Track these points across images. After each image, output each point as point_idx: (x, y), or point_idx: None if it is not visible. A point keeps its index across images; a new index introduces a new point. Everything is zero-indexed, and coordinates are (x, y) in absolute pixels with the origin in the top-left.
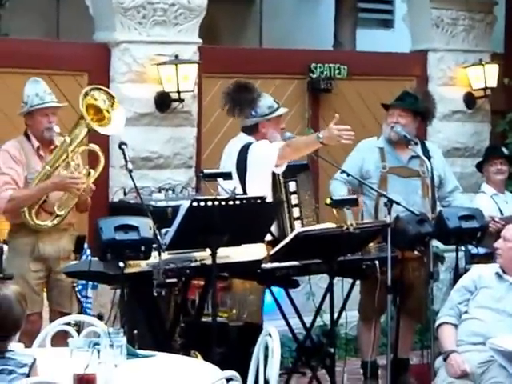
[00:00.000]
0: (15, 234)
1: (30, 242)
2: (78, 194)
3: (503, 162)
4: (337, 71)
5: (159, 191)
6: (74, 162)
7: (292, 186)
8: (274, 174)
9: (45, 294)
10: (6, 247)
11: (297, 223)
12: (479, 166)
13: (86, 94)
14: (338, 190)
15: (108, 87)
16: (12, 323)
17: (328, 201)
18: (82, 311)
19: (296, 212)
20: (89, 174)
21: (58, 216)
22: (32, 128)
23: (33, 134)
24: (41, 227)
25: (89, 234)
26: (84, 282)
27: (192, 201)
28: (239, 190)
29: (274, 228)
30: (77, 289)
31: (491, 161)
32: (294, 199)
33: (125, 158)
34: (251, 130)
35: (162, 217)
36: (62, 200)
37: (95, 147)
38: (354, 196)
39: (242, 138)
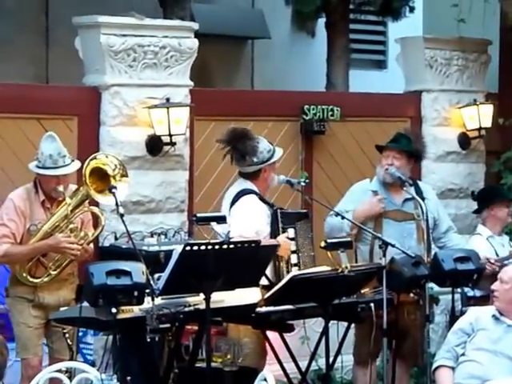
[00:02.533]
0: (15, 281)
1: (30, 290)
2: (72, 258)
3: (510, 204)
4: (330, 113)
5: (151, 236)
6: (72, 225)
7: (291, 232)
8: (274, 218)
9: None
10: None
11: (294, 269)
12: (481, 207)
13: (94, 158)
14: (336, 228)
15: (98, 131)
16: None
17: (323, 244)
18: (73, 358)
19: (294, 258)
20: (86, 236)
21: (50, 274)
22: (41, 182)
23: (41, 187)
24: (32, 283)
25: (78, 280)
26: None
27: (185, 245)
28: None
29: (270, 273)
30: (77, 335)
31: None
32: (292, 246)
33: (116, 202)
34: (252, 176)
35: (154, 262)
36: (56, 260)
37: (96, 210)
38: (349, 238)
39: (241, 184)
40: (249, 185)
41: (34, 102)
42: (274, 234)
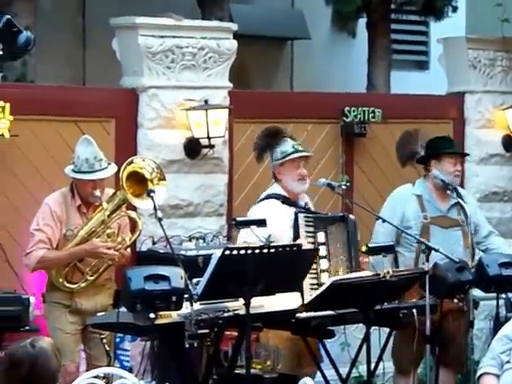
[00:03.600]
0: (51, 287)
1: (66, 296)
2: (109, 263)
3: None
4: (371, 114)
5: (189, 240)
6: (109, 230)
7: (321, 236)
8: (294, 221)
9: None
10: (32, 298)
11: (323, 275)
12: None
13: (131, 162)
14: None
15: (136, 133)
16: (49, 376)
17: (364, 248)
18: (110, 363)
19: (324, 264)
20: (123, 240)
21: (87, 280)
22: (78, 187)
23: (77, 191)
24: (68, 289)
25: (116, 284)
26: (122, 334)
27: (224, 249)
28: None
29: None
30: (114, 341)
31: None
32: (322, 250)
33: (154, 206)
34: (274, 177)
35: (192, 266)
36: (93, 265)
37: (133, 214)
38: (391, 243)
39: (271, 187)
40: (276, 188)
41: (71, 104)
42: (294, 237)
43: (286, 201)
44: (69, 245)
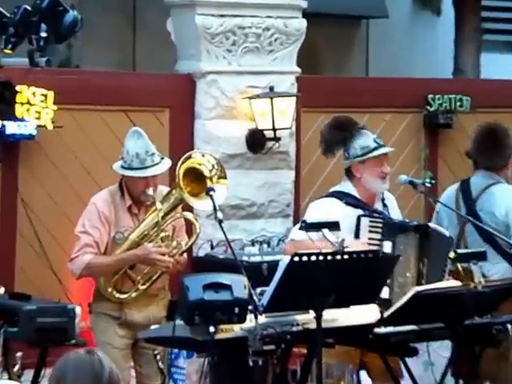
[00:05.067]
0: (99, 296)
1: (115, 307)
2: (163, 270)
3: None
4: (458, 103)
5: (252, 244)
6: (163, 233)
7: (387, 246)
8: (356, 225)
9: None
10: (78, 309)
11: (384, 290)
12: None
13: (189, 157)
14: None
15: (192, 124)
16: None
17: (452, 255)
18: (164, 383)
19: None
20: (179, 245)
21: (138, 289)
22: (128, 185)
23: (127, 190)
24: (117, 299)
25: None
26: (177, 350)
27: (293, 255)
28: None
29: None
30: (168, 358)
31: None
32: None
33: (214, 206)
34: (347, 173)
35: (256, 274)
36: (145, 273)
37: (190, 215)
38: (483, 249)
39: (340, 184)
40: (346, 186)
41: (120, 92)
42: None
43: (352, 201)
44: (118, 250)
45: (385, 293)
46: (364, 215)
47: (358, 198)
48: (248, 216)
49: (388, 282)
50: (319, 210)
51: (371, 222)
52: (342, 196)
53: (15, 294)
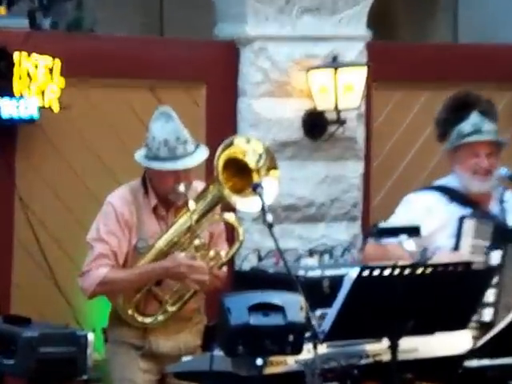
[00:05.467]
0: (117, 320)
1: (138, 334)
2: (197, 287)
3: None
4: None
5: (310, 255)
6: (198, 241)
7: (495, 256)
8: (458, 228)
9: None
10: (91, 336)
11: (487, 311)
12: None
13: (230, 144)
14: None
15: (235, 104)
16: None
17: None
18: None
19: (490, 295)
20: (217, 256)
21: (166, 312)
22: (153, 179)
23: (153, 187)
24: (140, 324)
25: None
26: None
27: (361, 269)
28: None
29: None
30: None
31: None
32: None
33: (262, 206)
34: (450, 160)
35: (315, 292)
36: (175, 291)
37: (231, 218)
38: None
39: (450, 177)
40: (453, 179)
41: (145, 63)
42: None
43: (459, 198)
44: (141, 261)
45: (487, 314)
46: (469, 216)
47: (466, 195)
48: (305, 219)
49: (492, 300)
50: (415, 205)
51: (478, 224)
52: (446, 191)
53: (12, 316)
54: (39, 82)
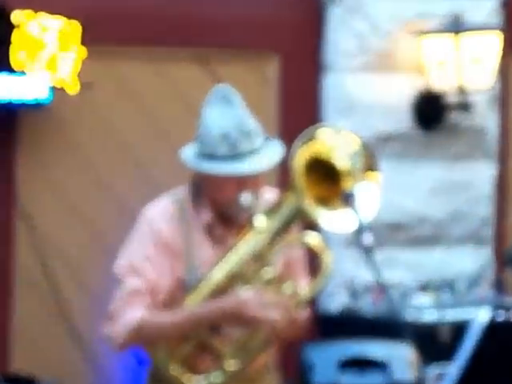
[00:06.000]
0: (157, 381)
1: None
2: (268, 336)
3: None
4: None
5: (423, 290)
6: (268, 271)
7: None
8: None
9: None
10: None
11: None
12: None
13: (312, 138)
14: None
15: (318, 81)
16: None
17: None
18: None
19: None
20: (295, 292)
21: (224, 370)
22: (208, 187)
23: (207, 196)
24: None
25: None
26: None
27: (494, 310)
28: None
29: None
30: None
31: None
32: None
33: (358, 224)
34: None
35: (431, 341)
36: (236, 342)
37: (314, 240)
38: None
39: None
40: None
41: (194, 26)
42: None
43: None
44: (190, 299)
45: None
46: None
47: None
48: (415, 241)
49: None
50: None
51: None
52: None
53: (11, 375)
54: (49, 52)
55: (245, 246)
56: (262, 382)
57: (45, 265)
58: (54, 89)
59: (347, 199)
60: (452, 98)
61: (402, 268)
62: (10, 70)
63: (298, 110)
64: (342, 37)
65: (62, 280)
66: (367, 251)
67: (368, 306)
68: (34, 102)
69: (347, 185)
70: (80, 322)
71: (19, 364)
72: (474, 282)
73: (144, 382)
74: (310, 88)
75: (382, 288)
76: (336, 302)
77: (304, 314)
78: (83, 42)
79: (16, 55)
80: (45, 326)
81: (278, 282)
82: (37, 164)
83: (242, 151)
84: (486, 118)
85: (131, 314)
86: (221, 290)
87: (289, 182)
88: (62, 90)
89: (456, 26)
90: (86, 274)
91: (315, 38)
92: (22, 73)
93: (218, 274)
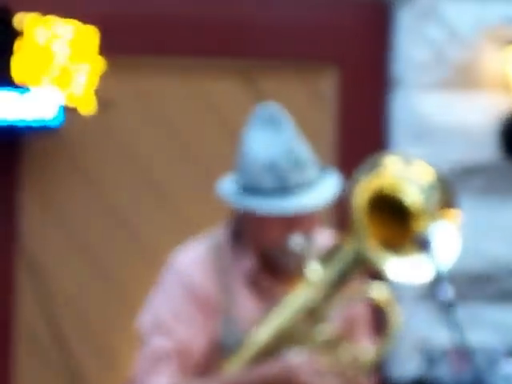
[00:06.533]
0: None
1: None
2: None
3: None
4: None
5: None
6: (324, 331)
7: None
8: None
9: None
10: None
11: None
12: None
13: (377, 169)
14: None
15: (386, 99)
16: None
17: None
18: None
19: None
20: (357, 356)
21: None
22: (251, 230)
23: (250, 239)
24: None
25: None
26: None
27: None
28: None
29: None
30: None
31: None
32: None
33: (435, 275)
34: None
35: None
36: None
37: (380, 294)
38: None
39: None
40: None
41: (235, 34)
42: None
43: None
44: (230, 365)
45: None
46: None
47: None
48: (505, 296)
49: None
50: None
51: None
52: None
53: None
54: (60, 64)
55: (295, 301)
56: None
57: (50, 316)
58: (65, 108)
59: (420, 243)
60: None
61: (489, 328)
62: (12, 86)
63: (360, 135)
64: (413, 46)
65: (72, 341)
66: (446, 307)
67: (447, 374)
68: (40, 124)
69: (420, 226)
70: None
71: None
72: None
73: None
74: (375, 108)
75: (463, 352)
76: (407, 369)
77: (369, 383)
78: (101, 52)
79: (19, 67)
80: None
81: (335, 343)
82: (43, 198)
83: (292, 184)
84: None
85: (156, 381)
86: (266, 353)
87: (348, 222)
88: (74, 109)
89: None
90: (100, 330)
91: (381, 48)
92: (26, 89)
93: (263, 333)
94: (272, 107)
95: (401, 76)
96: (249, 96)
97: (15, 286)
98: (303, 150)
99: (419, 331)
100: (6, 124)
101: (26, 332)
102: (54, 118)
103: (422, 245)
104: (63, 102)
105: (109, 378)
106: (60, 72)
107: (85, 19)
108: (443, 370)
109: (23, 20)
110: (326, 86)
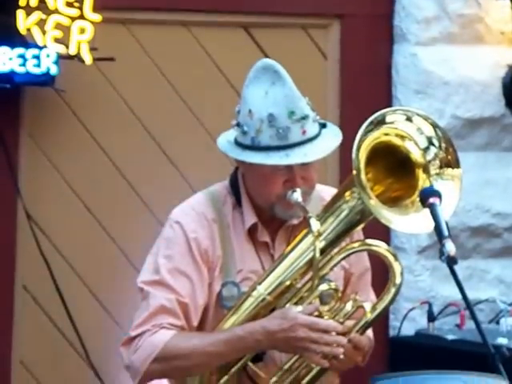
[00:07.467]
0: None
1: None
2: (325, 364)
3: None
4: None
5: None
6: (325, 285)
7: None
8: None
9: None
10: None
11: None
12: None
13: (380, 123)
14: None
15: (388, 54)
16: None
17: None
18: None
19: None
20: (359, 310)
21: None
22: (250, 182)
23: (250, 195)
24: None
25: None
26: None
27: None
28: None
29: None
30: None
31: None
32: None
33: (436, 227)
34: None
35: None
36: (285, 371)
37: (381, 248)
38: None
39: None
40: None
41: None
42: None
43: None
44: (230, 319)
45: None
46: None
47: None
48: (508, 251)
49: None
50: None
51: None
52: None
53: None
54: (60, 17)
55: (296, 255)
56: None
57: (54, 280)
58: (64, 60)
59: (422, 198)
60: None
61: (492, 283)
62: (15, 40)
63: (363, 90)
64: (417, 1)
65: (74, 297)
66: (449, 262)
67: (449, 329)
68: (41, 77)
69: (422, 180)
70: (93, 347)
71: None
72: None
73: None
74: (378, 63)
75: (468, 307)
76: (410, 323)
77: (370, 339)
78: (98, 6)
79: (21, 22)
80: (53, 354)
81: (336, 298)
82: (43, 154)
83: (292, 139)
84: None
85: (156, 337)
86: (266, 308)
87: (350, 175)
88: (74, 60)
89: None
90: (99, 288)
91: (385, 2)
92: (28, 45)
93: (263, 288)
94: (271, 62)
95: (404, 30)
96: (248, 51)
97: (17, 247)
98: (303, 104)
99: (421, 286)
100: (7, 75)
101: (26, 293)
102: (54, 69)
103: (425, 199)
104: (62, 53)
105: (111, 333)
106: (58, 23)
107: None
108: (445, 325)
109: None
110: (328, 41)
